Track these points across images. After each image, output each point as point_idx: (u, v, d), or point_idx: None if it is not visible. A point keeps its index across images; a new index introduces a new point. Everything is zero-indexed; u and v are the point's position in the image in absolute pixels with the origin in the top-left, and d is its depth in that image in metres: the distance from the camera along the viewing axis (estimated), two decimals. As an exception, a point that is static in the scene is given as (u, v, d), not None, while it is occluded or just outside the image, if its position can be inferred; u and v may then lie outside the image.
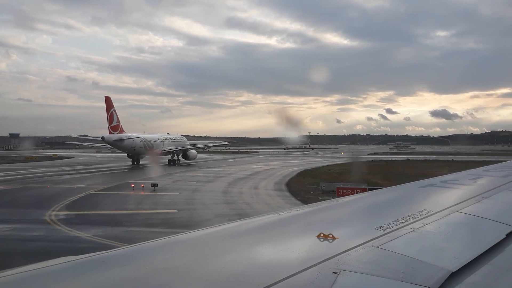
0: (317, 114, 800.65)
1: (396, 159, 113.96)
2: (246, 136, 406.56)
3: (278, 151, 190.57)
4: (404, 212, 4.53)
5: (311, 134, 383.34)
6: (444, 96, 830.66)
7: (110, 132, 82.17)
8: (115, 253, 3.23)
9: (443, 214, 4.53)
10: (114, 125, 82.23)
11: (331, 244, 3.36)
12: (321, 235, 3.48)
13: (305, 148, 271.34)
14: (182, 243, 3.65)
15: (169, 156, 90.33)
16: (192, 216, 32.32)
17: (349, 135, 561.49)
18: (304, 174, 66.57)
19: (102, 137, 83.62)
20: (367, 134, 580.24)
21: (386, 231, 3.71)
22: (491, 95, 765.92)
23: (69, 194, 43.05)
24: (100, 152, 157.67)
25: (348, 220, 4.82)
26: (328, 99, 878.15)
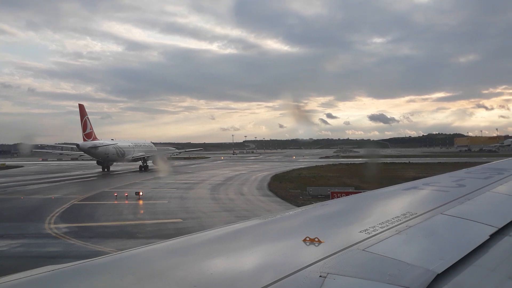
0: (260, 119, 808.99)
1: (355, 162, 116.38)
2: (191, 142, 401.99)
3: (230, 157, 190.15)
4: (389, 214, 4.57)
5: (256, 139, 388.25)
6: (382, 101, 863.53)
7: (84, 140, 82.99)
8: (101, 261, 3.19)
9: (427, 216, 4.54)
10: (87, 133, 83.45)
11: (317, 247, 3.35)
12: (307, 239, 3.48)
13: (252, 153, 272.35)
14: (169, 250, 3.61)
15: (140, 162, 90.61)
16: (201, 225, 31.00)
17: (293, 140, 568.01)
18: (279, 179, 66.06)
19: (77, 145, 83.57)
20: (310, 139, 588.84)
21: (371, 234, 3.72)
22: (426, 99, 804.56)
23: (52, 205, 40.33)
24: (46, 160, 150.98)
25: (334, 223, 4.75)
26: (270, 104, 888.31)
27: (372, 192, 7.43)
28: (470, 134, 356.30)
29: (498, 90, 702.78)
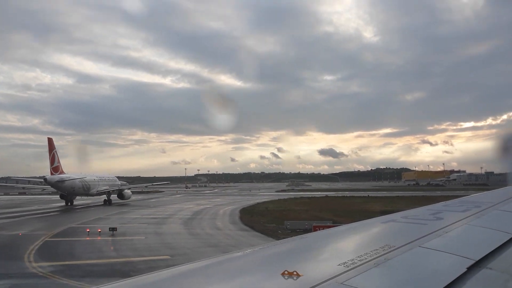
0: (212, 152, 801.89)
1: (315, 195, 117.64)
2: (140, 176, 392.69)
3: (185, 190, 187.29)
4: (367, 247, 4.54)
5: (210, 172, 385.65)
6: (331, 136, 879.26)
7: (51, 173, 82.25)
8: None
9: (406, 249, 4.55)
10: (55, 166, 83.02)
11: (295, 281, 3.31)
12: (286, 272, 3.42)
13: (205, 186, 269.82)
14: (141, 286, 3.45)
15: (104, 196, 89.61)
16: (192, 260, 30.03)
17: (245, 173, 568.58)
18: (248, 213, 65.30)
19: (45, 178, 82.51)
20: (262, 172, 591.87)
21: (350, 267, 3.68)
22: (374, 134, 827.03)
23: (23, 242, 38.03)
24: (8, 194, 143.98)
25: (313, 256, 4.73)
26: (223, 138, 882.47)
27: (351, 225, 7.27)
28: (416, 168, 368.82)
29: (443, 127, 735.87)
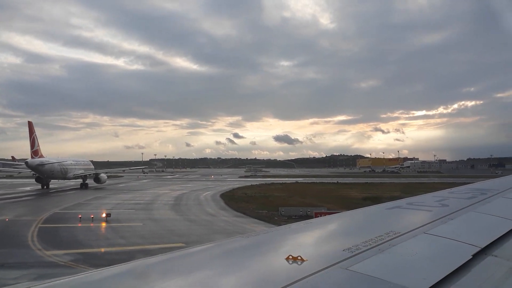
0: (167, 137, 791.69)
1: (286, 181, 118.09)
2: (93, 160, 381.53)
3: (145, 175, 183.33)
4: (372, 233, 4.57)
5: (167, 157, 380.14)
6: (287, 122, 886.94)
7: (32, 157, 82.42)
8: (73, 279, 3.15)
9: (410, 235, 4.59)
10: (35, 150, 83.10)
11: (300, 266, 3.34)
12: (290, 257, 3.46)
13: (162, 171, 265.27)
14: (150, 269, 3.50)
15: (79, 180, 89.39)
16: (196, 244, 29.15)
17: (201, 159, 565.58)
18: (232, 199, 64.32)
19: (26, 162, 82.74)
20: (218, 158, 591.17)
21: (354, 253, 3.73)
22: (329, 121, 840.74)
23: (16, 228, 36.13)
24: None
25: (317, 242, 4.83)
26: (178, 122, 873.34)
27: (356, 211, 7.24)
28: (371, 155, 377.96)
29: (395, 115, 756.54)
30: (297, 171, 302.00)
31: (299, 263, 3.34)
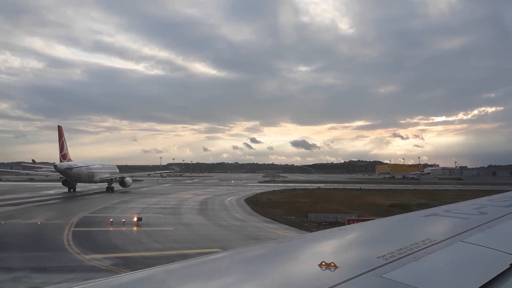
0: (185, 141, 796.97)
1: (307, 187, 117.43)
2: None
3: (165, 179, 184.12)
4: (407, 241, 4.48)
5: (185, 161, 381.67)
6: (305, 127, 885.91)
7: (60, 160, 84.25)
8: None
9: (447, 243, 4.48)
10: (63, 154, 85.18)
11: (333, 273, 3.27)
12: (323, 263, 3.40)
13: (180, 176, 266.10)
14: (184, 272, 3.51)
15: (105, 184, 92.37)
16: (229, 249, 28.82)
17: (218, 163, 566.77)
18: (257, 205, 63.80)
19: (55, 166, 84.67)
20: (236, 162, 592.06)
21: (388, 260, 3.65)
22: (347, 127, 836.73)
23: (50, 231, 36.27)
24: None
25: (350, 249, 4.80)
26: (196, 127, 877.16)
27: (391, 218, 7.15)
28: (390, 161, 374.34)
29: (415, 120, 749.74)
30: (315, 176, 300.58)
31: (332, 269, 3.30)
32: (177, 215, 49.79)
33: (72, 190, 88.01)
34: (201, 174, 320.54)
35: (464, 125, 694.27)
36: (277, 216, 50.84)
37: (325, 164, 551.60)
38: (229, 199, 75.13)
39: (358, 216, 46.05)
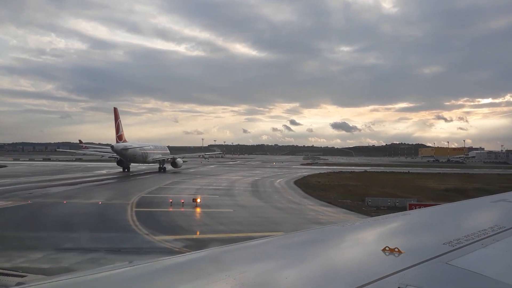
0: (225, 123, 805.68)
1: (354, 170, 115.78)
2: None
3: (208, 160, 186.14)
4: (475, 227, 4.32)
5: (226, 143, 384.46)
6: (346, 109, 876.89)
7: (117, 141, 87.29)
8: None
9: None
10: (119, 135, 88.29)
11: (396, 258, 3.19)
12: (387, 248, 3.31)
13: (222, 157, 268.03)
14: (243, 252, 3.60)
15: (158, 164, 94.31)
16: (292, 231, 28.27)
17: (258, 145, 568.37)
18: (307, 187, 63.19)
19: (112, 146, 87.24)
20: (275, 145, 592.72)
21: (455, 247, 3.50)
22: (390, 109, 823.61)
23: (111, 212, 36.77)
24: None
25: (415, 234, 4.59)
26: (236, 108, 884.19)
27: (457, 204, 7.00)
28: (434, 144, 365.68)
29: (460, 102, 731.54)
30: (356, 159, 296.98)
31: (396, 255, 3.25)
32: (232, 197, 49.72)
33: (126, 170, 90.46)
34: (241, 156, 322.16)
35: (511, 107, 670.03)
36: (332, 199, 50.05)
37: (366, 147, 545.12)
38: (278, 181, 74.77)
39: (418, 201, 44.76)
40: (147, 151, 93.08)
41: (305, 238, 4.20)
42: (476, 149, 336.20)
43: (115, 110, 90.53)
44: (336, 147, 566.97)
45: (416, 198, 47.00)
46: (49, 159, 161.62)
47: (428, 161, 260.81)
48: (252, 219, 35.34)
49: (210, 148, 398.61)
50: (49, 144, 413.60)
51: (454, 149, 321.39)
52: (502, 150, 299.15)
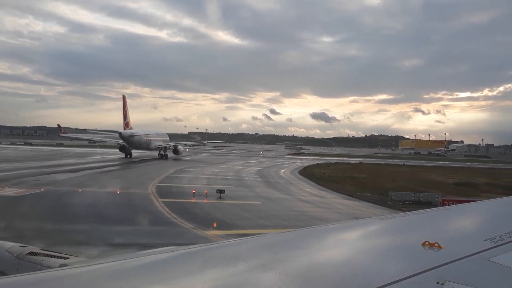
0: (205, 111, 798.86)
1: (350, 161, 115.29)
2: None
3: (194, 148, 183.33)
4: None
5: (207, 131, 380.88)
6: (326, 100, 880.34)
7: (124, 128, 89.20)
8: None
9: None
10: (126, 122, 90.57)
11: (436, 253, 3.14)
12: (426, 243, 3.26)
13: (204, 145, 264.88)
14: (275, 241, 3.62)
15: (159, 151, 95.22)
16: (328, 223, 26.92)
17: (238, 134, 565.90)
18: (318, 178, 62.15)
19: (120, 133, 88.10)
20: (256, 133, 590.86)
21: (497, 243, 3.39)
22: (369, 100, 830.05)
23: (135, 202, 35.06)
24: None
25: (456, 229, 4.54)
26: (217, 96, 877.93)
27: (497, 201, 6.92)
28: (413, 137, 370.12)
29: (438, 95, 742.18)
30: (338, 150, 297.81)
31: (436, 250, 3.17)
32: (249, 188, 48.11)
33: (128, 156, 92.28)
34: (223, 144, 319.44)
35: (489, 102, 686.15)
36: (351, 192, 49.00)
37: (345, 137, 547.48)
38: (281, 171, 73.81)
39: (442, 196, 44.03)
40: (151, 138, 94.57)
41: (344, 231, 4.20)
42: (456, 142, 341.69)
43: (124, 97, 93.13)
44: (315, 137, 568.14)
45: (440, 194, 46.05)
46: (30, 144, 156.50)
47: (410, 153, 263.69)
48: (289, 213, 33.69)
49: (191, 135, 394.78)
50: (26, 128, 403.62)
51: (434, 141, 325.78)
52: (480, 144, 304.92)
